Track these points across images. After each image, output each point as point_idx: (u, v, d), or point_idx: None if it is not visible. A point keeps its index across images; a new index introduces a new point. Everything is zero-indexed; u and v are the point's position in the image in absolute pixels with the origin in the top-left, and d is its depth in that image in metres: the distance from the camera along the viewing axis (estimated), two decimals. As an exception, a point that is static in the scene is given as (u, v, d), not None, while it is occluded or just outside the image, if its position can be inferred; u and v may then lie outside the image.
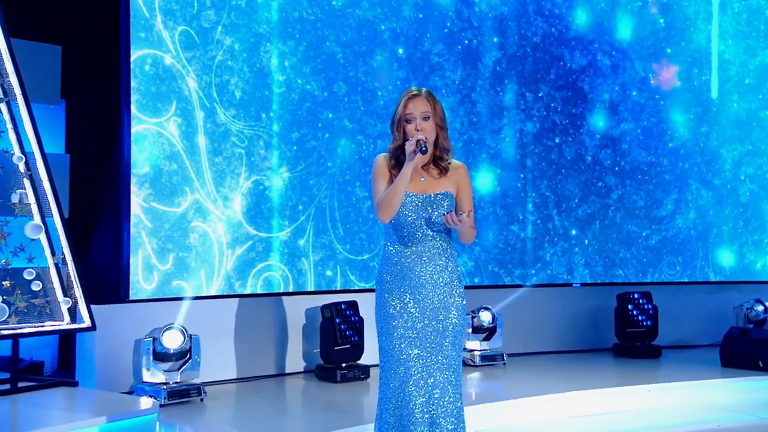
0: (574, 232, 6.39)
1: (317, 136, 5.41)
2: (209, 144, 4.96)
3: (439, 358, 2.97)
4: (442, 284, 3.00)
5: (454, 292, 3.02)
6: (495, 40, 6.12)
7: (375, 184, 3.03)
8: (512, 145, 6.20)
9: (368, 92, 5.59)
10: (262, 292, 5.16)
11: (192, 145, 4.90)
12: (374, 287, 3.19)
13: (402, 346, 2.96)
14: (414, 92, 3.02)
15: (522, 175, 6.23)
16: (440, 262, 3.01)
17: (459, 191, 3.06)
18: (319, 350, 5.24)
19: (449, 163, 3.06)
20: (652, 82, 6.57)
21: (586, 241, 6.42)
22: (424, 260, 2.99)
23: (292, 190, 5.30)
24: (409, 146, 2.90)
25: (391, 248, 3.04)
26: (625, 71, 6.56)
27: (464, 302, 3.05)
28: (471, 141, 6.05)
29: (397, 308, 2.99)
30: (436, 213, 3.00)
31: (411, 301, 2.98)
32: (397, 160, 3.01)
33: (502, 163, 6.17)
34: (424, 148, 2.88)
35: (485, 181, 6.09)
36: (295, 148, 5.31)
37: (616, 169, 6.53)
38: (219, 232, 4.99)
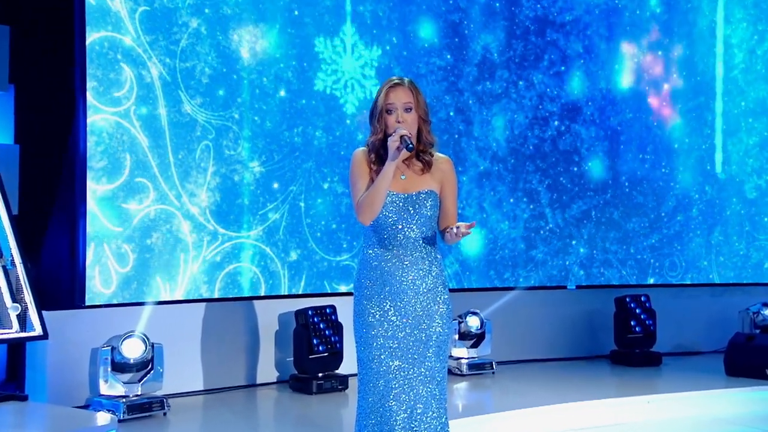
0: (568, 230, 6.42)
1: (292, 126, 5.39)
2: (173, 136, 4.94)
3: (422, 370, 2.97)
4: (425, 290, 3.01)
5: (438, 299, 3.03)
6: (484, 23, 6.12)
7: (354, 182, 3.03)
8: (502, 137, 6.21)
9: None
10: (231, 296, 5.16)
11: (154, 137, 4.88)
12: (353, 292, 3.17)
13: (382, 357, 2.96)
14: (395, 81, 3.02)
15: (512, 169, 6.24)
16: (423, 266, 3.02)
17: (443, 188, 3.06)
18: (292, 359, 5.24)
19: (432, 157, 3.06)
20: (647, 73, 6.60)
21: (582, 240, 6.45)
22: (406, 264, 3.00)
23: (264, 186, 5.29)
24: (393, 142, 2.89)
25: (371, 251, 3.04)
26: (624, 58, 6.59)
27: (449, 309, 3.06)
28: (458, 132, 6.05)
29: (377, 316, 2.99)
30: (419, 213, 3.00)
31: (391, 308, 2.99)
32: (378, 155, 3.01)
33: (492, 156, 6.18)
34: (410, 145, 2.87)
35: (473, 175, 6.11)
36: (267, 140, 5.30)
37: (614, 162, 6.55)
38: (184, 232, 4.98)
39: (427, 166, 3.04)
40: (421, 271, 3.01)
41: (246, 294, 5.22)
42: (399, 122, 2.97)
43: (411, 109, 3.00)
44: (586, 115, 6.50)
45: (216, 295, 5.10)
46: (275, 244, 5.32)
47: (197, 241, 5.02)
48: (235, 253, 5.17)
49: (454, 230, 2.89)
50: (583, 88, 6.49)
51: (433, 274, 3.03)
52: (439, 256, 3.08)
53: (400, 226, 2.99)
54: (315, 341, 5.09)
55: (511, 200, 6.24)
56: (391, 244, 3.00)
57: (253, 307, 5.30)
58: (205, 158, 5.05)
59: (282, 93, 5.35)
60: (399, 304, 2.99)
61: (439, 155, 3.10)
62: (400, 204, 3.00)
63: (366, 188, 2.98)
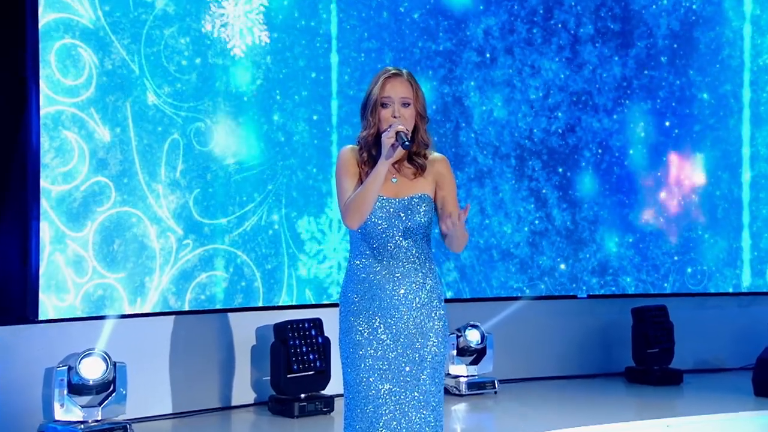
0: (579, 233, 6.41)
1: (271, 119, 5.37)
2: (138, 130, 4.92)
3: (415, 394, 2.98)
4: (419, 305, 3.02)
5: (433, 315, 3.04)
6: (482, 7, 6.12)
7: (341, 182, 3.04)
8: (506, 131, 6.18)
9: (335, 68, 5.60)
10: (203, 308, 5.15)
11: (117, 131, 4.86)
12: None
13: (371, 380, 2.97)
14: (393, 71, 3.03)
15: (517, 167, 6.22)
16: (417, 278, 3.03)
17: (440, 190, 3.06)
18: (269, 378, 5.23)
19: (426, 158, 3.07)
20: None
21: (594, 244, 6.45)
22: (398, 277, 3.01)
23: (240, 186, 5.27)
24: (388, 138, 2.89)
25: (358, 262, 3.05)
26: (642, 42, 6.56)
27: (446, 326, 3.08)
28: (456, 126, 6.04)
29: (365, 334, 3.01)
30: (411, 220, 3.02)
31: (381, 325, 3.00)
32: (370, 153, 3.01)
33: (494, 152, 6.16)
34: (407, 142, 2.87)
35: (473, 173, 6.08)
36: (243, 134, 5.28)
37: (630, 158, 6.53)
38: (150, 237, 4.96)
39: (421, 169, 3.05)
40: (414, 284, 3.02)
41: (220, 306, 5.21)
42: (395, 117, 2.97)
43: (409, 104, 3.01)
44: (599, 105, 6.47)
45: (186, 308, 5.08)
46: (252, 251, 5.31)
47: (165, 247, 5.00)
48: (207, 261, 5.16)
49: (449, 222, 2.85)
50: (594, 76, 6.46)
51: (428, 287, 3.04)
52: (434, 267, 3.09)
53: (390, 234, 3.00)
54: (293, 359, 5.07)
55: (518, 200, 6.23)
56: (380, 254, 3.01)
57: (227, 321, 5.29)
58: (174, 155, 5.03)
59: (260, 81, 5.34)
60: (390, 320, 3.00)
61: (434, 154, 3.10)
62: (391, 209, 3.01)
63: (354, 188, 2.98)
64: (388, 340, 2.98)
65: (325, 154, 5.53)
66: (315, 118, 5.53)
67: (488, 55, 6.16)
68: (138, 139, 4.91)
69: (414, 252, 3.02)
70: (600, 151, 6.49)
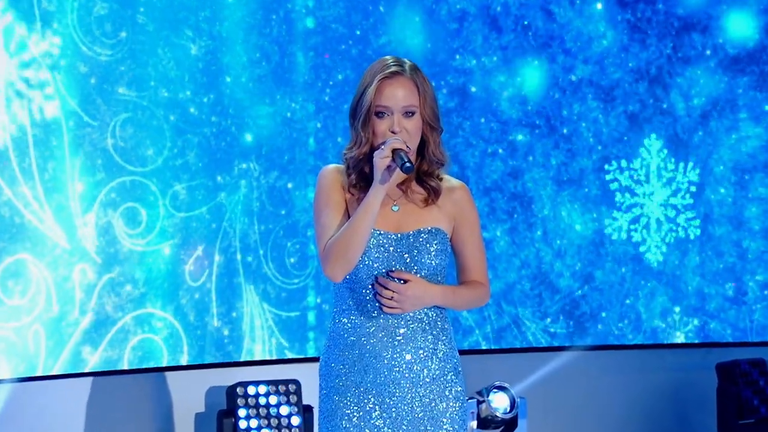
0: (645, 259, 6.40)
1: (228, 112, 5.45)
2: (38, 128, 4.96)
3: (422, 501, 3.05)
4: (427, 380, 3.05)
5: (447, 393, 3.07)
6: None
7: (319, 215, 3.06)
8: (540, 136, 6.24)
9: (315, 49, 5.69)
10: (132, 367, 5.18)
11: (10, 129, 4.88)
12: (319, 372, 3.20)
13: None
14: (393, 68, 3.03)
15: (554, 178, 6.26)
16: (425, 343, 3.06)
17: (458, 229, 3.11)
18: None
19: (440, 181, 3.09)
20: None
21: (665, 275, 6.47)
22: (399, 340, 3.03)
23: (184, 200, 5.33)
24: (382, 159, 2.90)
25: (345, 320, 3.07)
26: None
27: (464, 408, 3.10)
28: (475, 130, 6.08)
29: (354, 420, 3.03)
30: (419, 262, 3.04)
31: (377, 407, 3.03)
32: (361, 174, 3.04)
33: (523, 153, 6.21)
34: (408, 164, 2.87)
35: (499, 188, 6.15)
36: (188, 135, 5.34)
37: (709, 162, 6.56)
38: (59, 272, 4.99)
39: (434, 193, 3.07)
40: (421, 351, 3.04)
41: (157, 363, 5.26)
42: (395, 132, 2.97)
43: (414, 112, 3.01)
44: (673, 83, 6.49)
45: (108, 367, 5.11)
46: (201, 289, 5.34)
47: (81, 284, 5.04)
48: (138, 301, 5.19)
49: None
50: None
51: (440, 354, 3.07)
52: (448, 327, 3.12)
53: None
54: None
55: (558, 221, 6.27)
56: (376, 309, 3.03)
57: (165, 382, 5.35)
58: (91, 162, 5.08)
59: (208, 59, 5.40)
60: (388, 400, 3.02)
61: (450, 180, 3.13)
62: (391, 248, 3.02)
63: (339, 224, 3.00)
64: (385, 428, 3.02)
65: (301, 162, 5.61)
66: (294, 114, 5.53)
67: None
68: (38, 140, 4.96)
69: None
70: (668, 145, 6.49)
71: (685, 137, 6.49)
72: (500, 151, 6.11)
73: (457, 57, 6.08)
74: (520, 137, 6.17)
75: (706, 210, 6.59)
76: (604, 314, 6.34)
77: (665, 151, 6.46)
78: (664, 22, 6.43)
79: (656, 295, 6.46)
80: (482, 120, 6.11)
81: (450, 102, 5.95)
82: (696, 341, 6.50)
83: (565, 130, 6.26)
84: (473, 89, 6.08)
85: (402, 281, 2.97)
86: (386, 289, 2.97)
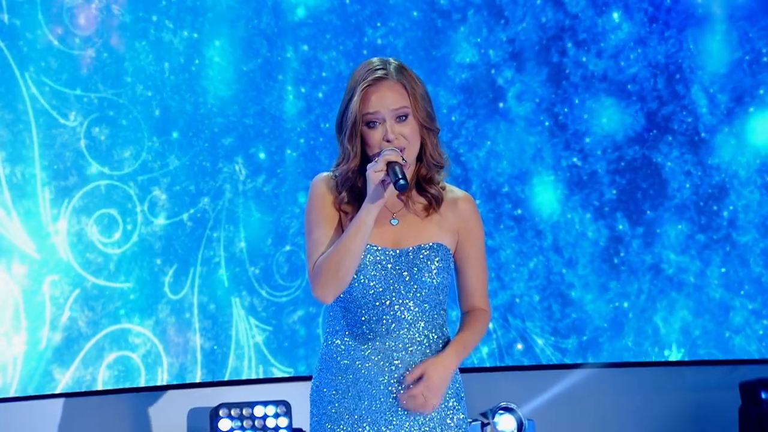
0: (664, 270, 6.37)
1: (212, 111, 5.47)
2: (5, 129, 4.99)
3: None
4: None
5: (448, 421, 3.08)
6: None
7: (311, 228, 3.06)
8: (557, 137, 6.24)
9: (307, 42, 5.69)
10: (107, 387, 5.19)
11: None
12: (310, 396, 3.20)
13: None
14: (378, 72, 3.00)
15: (570, 180, 6.27)
16: None
17: (462, 244, 3.11)
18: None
19: (443, 190, 3.08)
20: None
21: (685, 286, 6.43)
22: (396, 364, 3.03)
23: (163, 206, 5.36)
24: (375, 173, 2.89)
25: (338, 342, 3.08)
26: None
27: None
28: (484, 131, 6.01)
29: None
30: (419, 281, 3.03)
31: None
32: (353, 190, 3.04)
33: (531, 154, 6.21)
34: (402, 182, 2.85)
35: (505, 192, 6.14)
36: (168, 136, 5.36)
37: (736, 165, 6.52)
38: (28, 284, 4.99)
39: (435, 202, 3.06)
40: None
41: (135, 382, 5.27)
42: (389, 141, 2.96)
43: (407, 115, 2.99)
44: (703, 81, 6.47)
45: (80, 387, 5.12)
46: (182, 302, 5.33)
47: (54, 296, 5.05)
48: (114, 315, 5.21)
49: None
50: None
51: None
52: None
53: (387, 302, 3.03)
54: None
55: (573, 228, 6.26)
56: (372, 330, 3.03)
57: (143, 403, 5.36)
58: (62, 163, 5.09)
59: (189, 50, 5.40)
60: (384, 429, 3.03)
61: (453, 189, 3.11)
62: (389, 265, 3.03)
63: (331, 241, 2.99)
64: (381, 460, 3.08)
65: (292, 163, 5.62)
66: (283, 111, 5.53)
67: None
68: (5, 146, 4.95)
69: (421, 327, 3.04)
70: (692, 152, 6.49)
71: (707, 137, 6.51)
72: (506, 151, 6.12)
73: (460, 50, 6.09)
74: (527, 136, 6.18)
75: (730, 215, 6.59)
76: (619, 329, 6.33)
77: (685, 151, 6.48)
78: (684, 12, 6.45)
79: (676, 308, 6.45)
80: (487, 118, 6.12)
81: (452, 99, 5.96)
82: (719, 358, 6.49)
83: (576, 129, 6.27)
84: (476, 85, 6.09)
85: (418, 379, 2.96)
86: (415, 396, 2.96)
